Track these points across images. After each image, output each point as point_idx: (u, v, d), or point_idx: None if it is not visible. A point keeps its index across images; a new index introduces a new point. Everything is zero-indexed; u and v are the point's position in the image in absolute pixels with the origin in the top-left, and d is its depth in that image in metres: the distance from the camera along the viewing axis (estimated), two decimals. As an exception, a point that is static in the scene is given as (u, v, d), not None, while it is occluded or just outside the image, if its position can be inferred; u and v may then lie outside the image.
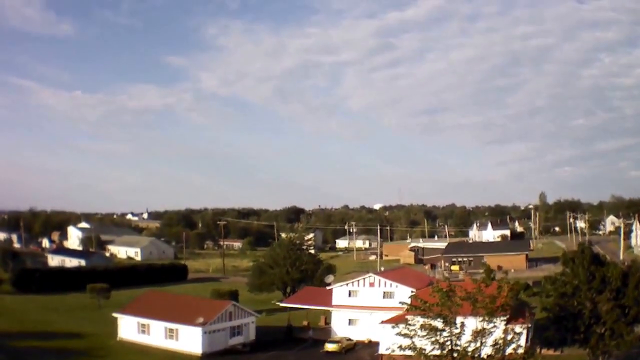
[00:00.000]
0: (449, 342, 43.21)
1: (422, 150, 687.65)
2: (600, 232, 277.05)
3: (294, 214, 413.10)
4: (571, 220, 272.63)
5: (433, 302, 44.49)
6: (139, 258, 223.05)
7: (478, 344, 42.70)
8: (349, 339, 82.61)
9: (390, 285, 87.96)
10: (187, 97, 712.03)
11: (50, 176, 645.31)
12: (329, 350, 79.49)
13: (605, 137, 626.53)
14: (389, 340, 72.58)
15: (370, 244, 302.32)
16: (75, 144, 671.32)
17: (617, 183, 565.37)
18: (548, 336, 57.58)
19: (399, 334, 44.74)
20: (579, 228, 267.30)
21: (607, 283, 58.21)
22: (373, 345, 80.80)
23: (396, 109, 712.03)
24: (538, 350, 46.74)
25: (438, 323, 43.44)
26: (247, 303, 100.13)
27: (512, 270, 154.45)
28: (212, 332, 79.01)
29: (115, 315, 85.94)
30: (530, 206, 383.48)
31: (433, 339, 43.30)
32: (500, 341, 42.83)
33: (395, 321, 73.61)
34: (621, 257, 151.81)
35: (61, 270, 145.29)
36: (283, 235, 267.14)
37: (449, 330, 43.18)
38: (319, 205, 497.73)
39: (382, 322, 76.22)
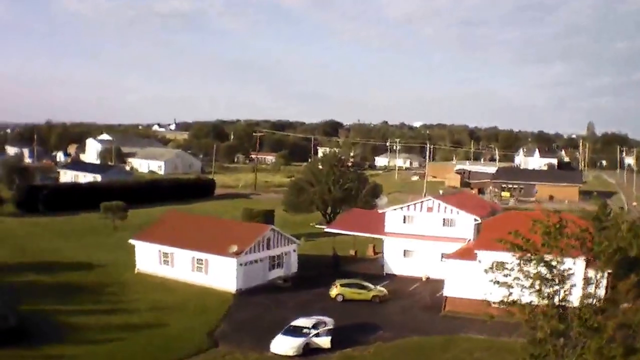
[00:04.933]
0: (556, 296, 33.07)
1: (461, 67, 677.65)
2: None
3: (332, 128, 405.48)
4: (623, 155, 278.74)
5: (537, 241, 33.76)
6: (162, 172, 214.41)
7: (591, 300, 33.17)
8: (364, 286, 68.97)
9: (451, 211, 78.16)
10: (219, 1, 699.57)
11: (71, 87, 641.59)
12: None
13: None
14: (454, 279, 63.66)
15: (411, 163, 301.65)
16: (99, 52, 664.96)
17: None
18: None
19: (495, 281, 34.39)
20: (626, 164, 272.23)
21: None
22: (431, 282, 73.17)
23: (434, 20, 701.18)
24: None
25: (541, 269, 33.22)
26: (282, 226, 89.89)
27: (566, 202, 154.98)
28: (249, 264, 69.14)
29: (132, 242, 76.13)
30: (574, 135, 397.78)
31: (537, 290, 33.09)
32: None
33: (461, 256, 64.33)
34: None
35: (72, 187, 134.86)
36: (320, 149, 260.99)
37: (558, 279, 33.08)
38: (358, 120, 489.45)
39: (447, 256, 67.96)
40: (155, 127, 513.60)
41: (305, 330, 52.28)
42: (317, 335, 52.06)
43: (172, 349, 50.92)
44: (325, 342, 51.94)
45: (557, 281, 33.28)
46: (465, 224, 76.29)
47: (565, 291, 33.33)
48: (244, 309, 62.52)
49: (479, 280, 62.36)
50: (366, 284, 69.48)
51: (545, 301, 33.23)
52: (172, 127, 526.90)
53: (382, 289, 69.54)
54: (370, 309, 64.51)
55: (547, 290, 33.27)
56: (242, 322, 58.84)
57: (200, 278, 69.34)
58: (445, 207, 78.10)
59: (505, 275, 34.16)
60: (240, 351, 51.18)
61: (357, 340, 54.16)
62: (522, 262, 33.92)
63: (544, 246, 33.49)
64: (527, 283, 33.54)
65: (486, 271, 35.76)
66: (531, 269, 33.59)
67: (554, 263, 33.31)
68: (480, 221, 75.62)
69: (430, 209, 78.79)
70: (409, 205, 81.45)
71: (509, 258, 58.48)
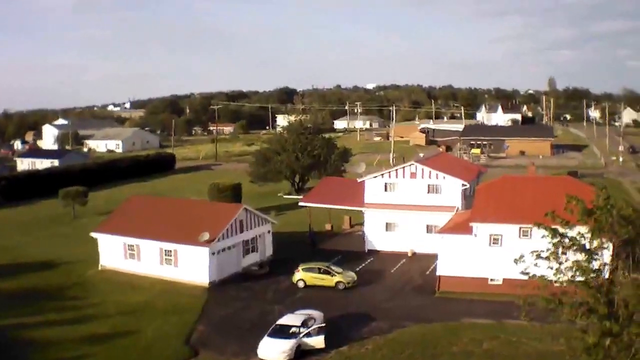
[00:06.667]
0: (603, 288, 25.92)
1: (415, 23, 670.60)
2: (616, 124, 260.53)
3: (287, 95, 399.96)
4: (591, 109, 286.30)
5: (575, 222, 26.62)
6: (120, 150, 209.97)
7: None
8: (328, 271, 60.27)
9: (437, 176, 69.98)
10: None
11: (25, 74, 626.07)
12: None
13: (601, 17, 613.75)
14: (448, 255, 57.30)
15: (371, 125, 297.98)
16: (50, 35, 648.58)
17: (617, 74, 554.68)
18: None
19: (531, 276, 27.24)
20: (591, 117, 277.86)
21: None
22: (418, 258, 66.83)
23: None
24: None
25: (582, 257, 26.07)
26: (249, 198, 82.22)
27: (540, 157, 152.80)
28: (221, 252, 61.17)
29: (94, 235, 67.18)
30: (532, 91, 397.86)
31: (582, 280, 26.00)
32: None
33: (455, 230, 57.57)
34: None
35: (30, 175, 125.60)
36: (281, 117, 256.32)
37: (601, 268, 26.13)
38: (312, 86, 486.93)
39: (439, 231, 60.25)
40: (111, 107, 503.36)
41: (294, 330, 44.74)
42: (308, 334, 44.62)
43: (147, 364, 43.33)
44: (318, 341, 44.35)
45: (601, 271, 26.45)
46: (451, 189, 68.63)
47: (607, 283, 26.59)
48: (221, 305, 54.69)
49: (475, 257, 56.34)
50: (333, 267, 61.04)
51: (592, 296, 26.41)
52: (127, 105, 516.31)
53: (351, 273, 60.94)
54: (359, 295, 57.20)
55: (590, 280, 26.46)
56: (221, 321, 51.15)
57: (170, 272, 61.29)
58: (430, 172, 70.03)
59: (538, 266, 27.03)
60: (223, 359, 43.85)
61: (351, 335, 46.85)
62: (561, 250, 27.00)
63: (599, 231, 26.42)
64: (569, 274, 26.58)
65: (516, 261, 28.69)
66: (571, 257, 26.71)
67: (598, 252, 26.47)
68: (468, 186, 68.74)
69: (413, 175, 70.63)
70: (390, 172, 73.13)
71: (509, 230, 51.39)
